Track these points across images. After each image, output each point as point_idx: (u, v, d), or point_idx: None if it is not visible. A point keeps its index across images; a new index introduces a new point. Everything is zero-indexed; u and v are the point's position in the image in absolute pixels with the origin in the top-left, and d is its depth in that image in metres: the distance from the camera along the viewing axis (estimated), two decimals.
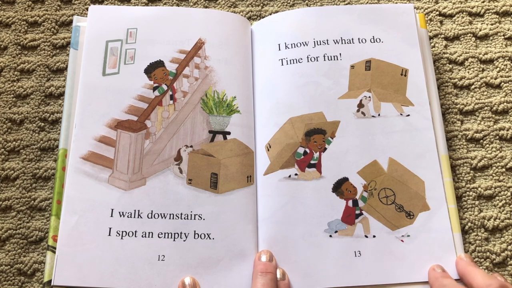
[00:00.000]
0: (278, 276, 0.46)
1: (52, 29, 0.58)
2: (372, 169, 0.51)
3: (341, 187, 0.50)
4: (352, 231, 0.49)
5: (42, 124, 0.54)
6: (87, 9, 0.59)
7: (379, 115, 0.53)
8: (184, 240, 0.48)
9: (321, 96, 0.53)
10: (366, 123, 0.52)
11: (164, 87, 0.53)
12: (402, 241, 0.48)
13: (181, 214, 0.48)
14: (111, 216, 0.48)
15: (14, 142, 0.53)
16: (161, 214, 0.48)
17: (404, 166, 0.51)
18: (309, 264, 0.47)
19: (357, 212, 0.50)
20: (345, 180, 0.50)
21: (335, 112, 0.52)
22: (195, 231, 0.48)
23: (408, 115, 0.52)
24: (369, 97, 0.53)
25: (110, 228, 0.47)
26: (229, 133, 0.52)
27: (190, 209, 0.49)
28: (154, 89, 0.53)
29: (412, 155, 0.51)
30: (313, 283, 0.47)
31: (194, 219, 0.48)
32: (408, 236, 0.48)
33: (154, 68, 0.53)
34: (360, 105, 0.53)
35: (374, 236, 0.48)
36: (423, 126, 0.52)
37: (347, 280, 0.47)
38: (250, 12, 0.59)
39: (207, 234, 0.48)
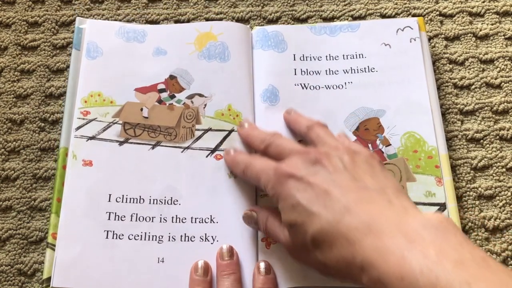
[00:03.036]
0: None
1: (52, 29, 0.58)
2: None
3: None
4: None
5: (42, 124, 0.54)
6: (87, 9, 0.59)
7: None
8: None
9: None
10: None
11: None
12: None
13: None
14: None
15: (14, 143, 0.53)
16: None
17: None
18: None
19: None
20: None
21: None
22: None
23: None
24: None
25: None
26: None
27: None
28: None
29: None
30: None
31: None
32: None
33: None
34: None
35: None
36: None
37: None
38: (250, 12, 0.60)
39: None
